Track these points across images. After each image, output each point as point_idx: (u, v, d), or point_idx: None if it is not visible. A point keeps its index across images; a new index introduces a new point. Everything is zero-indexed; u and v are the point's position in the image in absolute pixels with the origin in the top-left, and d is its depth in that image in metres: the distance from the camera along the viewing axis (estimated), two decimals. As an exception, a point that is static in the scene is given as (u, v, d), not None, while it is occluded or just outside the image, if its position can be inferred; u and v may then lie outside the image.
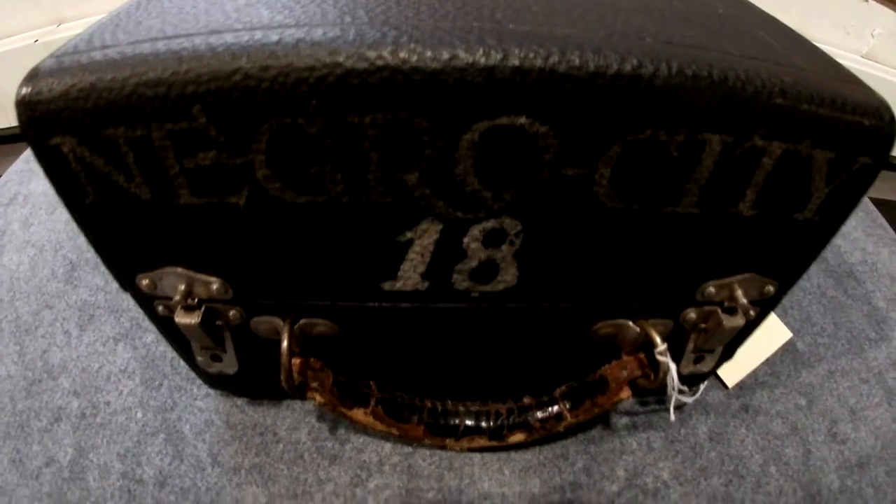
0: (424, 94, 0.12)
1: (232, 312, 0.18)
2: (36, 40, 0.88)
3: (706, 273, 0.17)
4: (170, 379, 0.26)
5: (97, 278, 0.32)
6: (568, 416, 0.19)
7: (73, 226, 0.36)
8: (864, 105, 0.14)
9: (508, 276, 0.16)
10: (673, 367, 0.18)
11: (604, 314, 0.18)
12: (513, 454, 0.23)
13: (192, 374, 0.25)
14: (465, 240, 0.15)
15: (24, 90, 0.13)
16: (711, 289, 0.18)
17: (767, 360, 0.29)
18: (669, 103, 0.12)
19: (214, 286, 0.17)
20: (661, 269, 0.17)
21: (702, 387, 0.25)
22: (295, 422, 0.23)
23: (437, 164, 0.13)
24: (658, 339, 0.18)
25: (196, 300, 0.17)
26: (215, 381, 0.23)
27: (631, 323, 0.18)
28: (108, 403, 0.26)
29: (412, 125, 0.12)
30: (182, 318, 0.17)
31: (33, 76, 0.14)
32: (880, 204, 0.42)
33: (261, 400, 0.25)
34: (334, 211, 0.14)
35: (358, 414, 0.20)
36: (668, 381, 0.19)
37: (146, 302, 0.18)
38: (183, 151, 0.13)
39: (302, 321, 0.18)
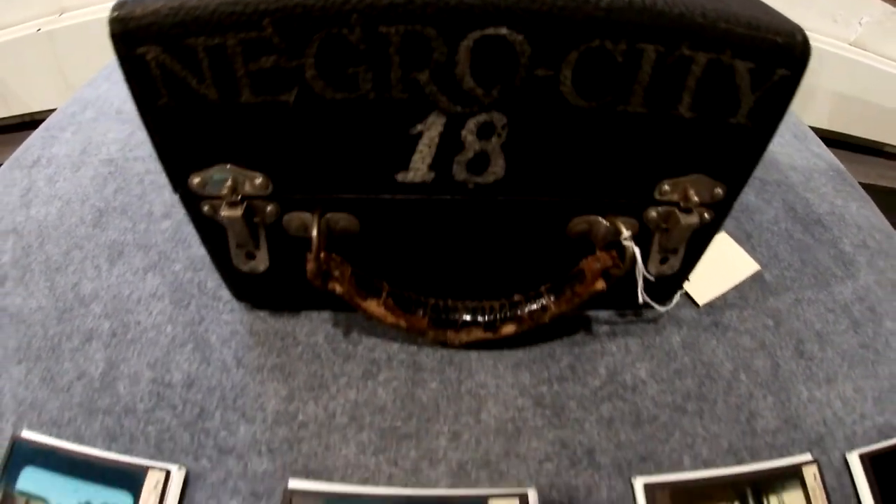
0: (434, 10, 0.17)
1: (269, 208, 0.23)
2: (38, 29, 0.95)
3: (661, 172, 0.22)
4: (197, 299, 0.31)
5: (125, 221, 0.37)
6: (552, 306, 0.25)
7: (99, 180, 0.41)
8: (777, 27, 0.20)
9: (497, 167, 0.21)
10: (637, 251, 0.23)
11: (578, 209, 0.23)
12: (505, 352, 0.28)
13: (219, 294, 0.31)
14: (463, 132, 0.20)
15: (118, 11, 0.18)
16: (667, 186, 0.23)
17: (736, 286, 0.34)
18: (612, 20, 0.18)
19: (258, 181, 0.22)
20: (622, 167, 0.22)
21: (674, 300, 0.29)
22: (312, 328, 0.28)
23: (442, 65, 0.18)
24: (623, 228, 0.23)
25: (240, 196, 0.22)
26: (243, 287, 0.28)
27: (601, 219, 0.23)
28: (138, 323, 0.31)
29: (424, 34, 0.18)
30: (227, 212, 0.22)
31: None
32: (867, 188, 0.47)
33: (281, 311, 0.29)
34: (362, 107, 0.20)
35: (371, 305, 0.24)
36: (637, 272, 0.24)
37: (194, 202, 0.23)
38: (249, 56, 0.18)
39: (328, 215, 0.23)
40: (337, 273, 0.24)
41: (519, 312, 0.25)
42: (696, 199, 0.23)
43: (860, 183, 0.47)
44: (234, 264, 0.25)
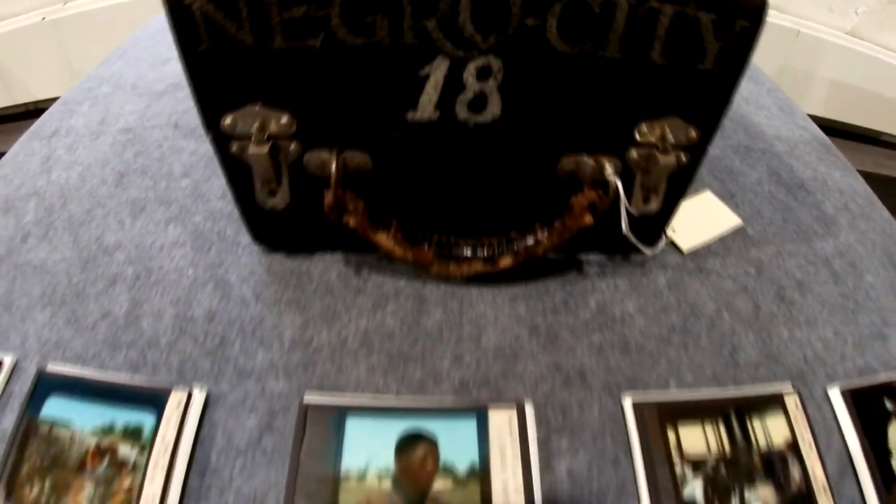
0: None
1: (292, 147, 0.27)
2: (43, 18, 1.00)
3: (638, 113, 0.27)
4: (217, 245, 0.35)
5: (146, 181, 0.41)
6: (544, 240, 0.29)
7: (118, 147, 0.45)
8: (735, -17, 0.23)
9: (494, 107, 0.26)
10: (620, 185, 0.27)
11: (566, 148, 0.27)
12: (503, 287, 0.32)
13: (238, 240, 0.35)
14: (465, 75, 0.25)
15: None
16: (645, 128, 0.27)
17: (719, 238, 0.38)
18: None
19: (283, 119, 0.26)
20: (604, 108, 0.27)
21: (660, 245, 0.33)
22: (325, 267, 0.32)
23: (447, 14, 0.23)
24: (607, 164, 0.27)
25: (266, 135, 0.26)
26: (263, 226, 0.32)
27: (587, 157, 0.27)
28: (160, 267, 0.34)
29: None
30: (254, 150, 0.26)
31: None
32: (863, 176, 0.51)
33: (296, 253, 0.33)
34: (378, 52, 0.24)
35: (381, 238, 0.28)
36: (621, 205, 0.27)
37: (224, 142, 0.27)
38: (283, 6, 0.23)
39: (344, 153, 0.27)
40: (351, 207, 0.28)
41: (515, 246, 0.29)
42: (672, 140, 0.27)
43: (861, 171, 0.51)
44: (257, 202, 0.29)
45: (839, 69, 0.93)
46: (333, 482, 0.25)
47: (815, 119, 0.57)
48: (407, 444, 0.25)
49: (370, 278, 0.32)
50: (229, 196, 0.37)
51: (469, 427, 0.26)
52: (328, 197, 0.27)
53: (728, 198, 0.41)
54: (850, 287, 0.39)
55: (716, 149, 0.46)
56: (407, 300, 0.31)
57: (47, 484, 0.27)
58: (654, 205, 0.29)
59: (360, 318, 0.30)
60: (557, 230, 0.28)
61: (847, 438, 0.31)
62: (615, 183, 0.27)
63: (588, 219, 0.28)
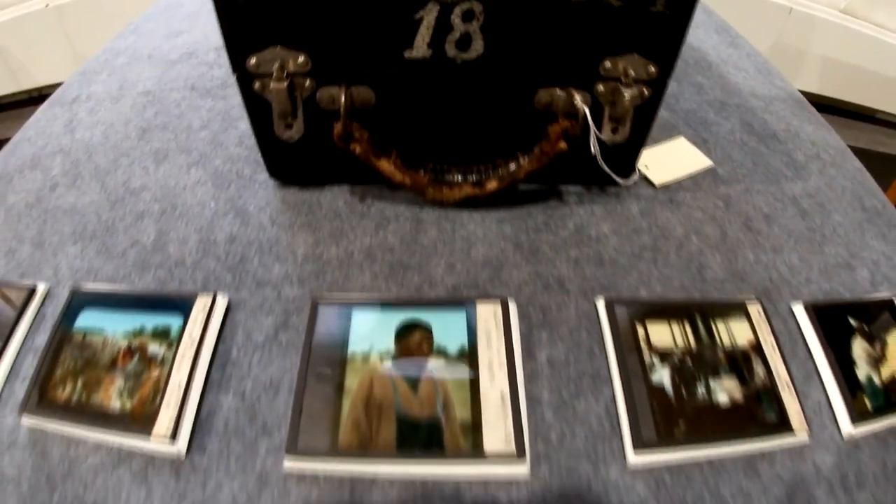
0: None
1: (307, 83, 0.34)
2: (47, 5, 1.10)
3: (602, 50, 0.34)
4: (236, 182, 0.42)
5: (167, 134, 0.48)
6: (525, 164, 0.35)
7: (138, 107, 0.52)
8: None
9: (478, 45, 0.33)
10: (588, 111, 0.34)
11: (541, 82, 0.35)
12: (491, 211, 0.39)
13: (255, 178, 0.42)
14: (452, 17, 0.32)
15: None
16: (608, 64, 0.34)
17: (690, 176, 0.45)
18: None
19: (300, 59, 0.33)
20: (572, 46, 0.34)
21: (633, 178, 0.39)
22: (333, 197, 0.39)
23: None
24: (577, 95, 0.34)
25: (285, 73, 0.32)
26: (279, 160, 0.39)
27: (560, 91, 0.34)
28: (184, 202, 0.41)
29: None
30: (275, 85, 0.33)
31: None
32: (858, 152, 0.57)
33: (308, 186, 0.41)
34: None
35: (383, 164, 0.34)
36: (591, 133, 0.34)
37: (248, 81, 0.34)
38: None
39: (352, 88, 0.34)
40: (357, 135, 0.34)
41: (500, 171, 0.36)
42: (633, 74, 0.34)
43: (852, 147, 0.58)
44: (275, 134, 0.37)
45: (832, 46, 1.00)
46: (341, 363, 0.31)
47: (808, 96, 0.63)
48: (405, 330, 0.32)
49: (373, 205, 0.39)
50: (246, 143, 0.45)
51: (459, 317, 0.32)
52: (338, 127, 0.34)
53: (701, 143, 0.48)
54: (818, 223, 0.45)
55: (691, 103, 0.53)
56: (405, 221, 0.38)
57: (79, 383, 0.33)
58: (621, 135, 0.36)
59: (365, 237, 0.37)
60: (536, 155, 0.35)
61: (812, 349, 0.37)
62: (584, 110, 0.33)
63: (562, 144, 0.35)
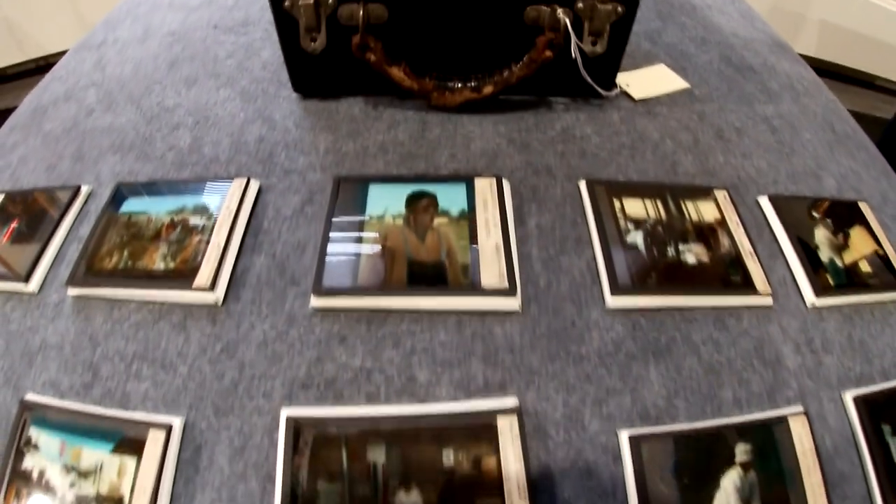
0: None
1: (330, 0, 0.42)
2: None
3: None
4: (262, 97, 0.53)
5: (195, 64, 0.59)
6: (516, 71, 0.44)
7: (165, 45, 0.63)
8: None
9: None
10: (569, 21, 0.45)
11: (529, 0, 0.43)
12: (488, 115, 0.48)
13: (279, 93, 0.52)
14: None
15: None
16: (587, -18, 0.42)
17: (668, 94, 0.55)
18: None
19: None
20: None
21: (615, 91, 0.48)
22: (350, 105, 0.50)
23: None
24: (559, 10, 0.44)
25: None
26: (303, 71, 0.49)
27: (544, 7, 0.43)
28: (216, 114, 0.51)
29: None
30: (304, 2, 0.42)
31: None
32: (855, 116, 0.67)
33: (327, 98, 0.51)
34: None
35: (394, 71, 0.43)
36: (572, 44, 0.44)
37: (279, 0, 0.43)
38: None
39: (368, 5, 0.44)
40: (372, 46, 0.44)
41: (495, 78, 0.47)
42: None
43: (851, 111, 0.67)
44: (301, 47, 0.47)
45: (831, 11, 1.11)
46: (359, 224, 0.40)
47: (807, 59, 0.74)
48: (414, 198, 0.42)
49: (384, 111, 0.50)
50: (269, 68, 0.57)
51: (460, 189, 0.42)
52: (356, 39, 0.44)
53: (680, 70, 0.58)
54: (787, 138, 0.54)
55: (674, 38, 0.64)
56: (413, 123, 0.48)
57: (126, 253, 0.42)
58: (601, 46, 0.46)
59: (378, 135, 0.47)
60: (526, 63, 0.46)
61: (776, 233, 0.46)
62: (565, 21, 0.43)
63: (548, 53, 0.45)
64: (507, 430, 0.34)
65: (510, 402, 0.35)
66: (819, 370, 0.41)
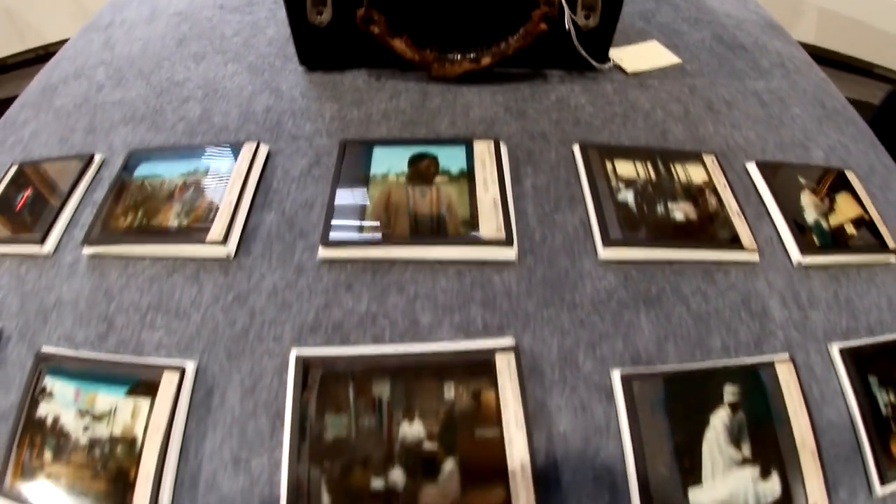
0: None
1: None
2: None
3: None
4: (269, 70, 0.58)
5: (202, 41, 0.64)
6: (513, 42, 0.49)
7: (172, 24, 0.68)
8: None
9: None
10: None
11: None
12: (486, 85, 0.52)
13: (286, 66, 0.57)
14: None
15: None
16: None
17: (660, 69, 0.59)
18: None
19: None
20: None
21: (608, 64, 0.52)
22: (354, 77, 0.55)
23: None
24: None
25: None
26: (309, 44, 0.53)
27: None
28: (224, 87, 0.55)
29: None
30: None
31: None
32: (854, 104, 0.71)
33: (332, 71, 0.55)
34: None
35: (396, 42, 0.47)
36: (567, 19, 0.48)
37: None
38: None
39: None
40: (375, 18, 0.48)
41: (493, 49, 0.51)
42: None
43: (849, 99, 0.72)
44: (307, 20, 0.51)
45: None
46: (364, 180, 0.44)
47: (805, 46, 0.79)
48: (416, 159, 0.46)
49: (387, 82, 0.54)
50: (275, 44, 0.61)
51: (459, 150, 0.46)
52: (360, 11, 0.49)
53: (672, 47, 0.63)
54: (777, 112, 0.58)
55: (667, 17, 0.69)
56: (415, 93, 0.53)
57: (140, 213, 0.46)
58: (593, 20, 0.51)
59: (381, 103, 0.52)
60: (522, 35, 0.50)
61: (763, 196, 0.50)
62: None
63: (543, 25, 0.49)
64: (505, 367, 0.38)
65: (508, 341, 0.39)
66: (805, 323, 0.45)
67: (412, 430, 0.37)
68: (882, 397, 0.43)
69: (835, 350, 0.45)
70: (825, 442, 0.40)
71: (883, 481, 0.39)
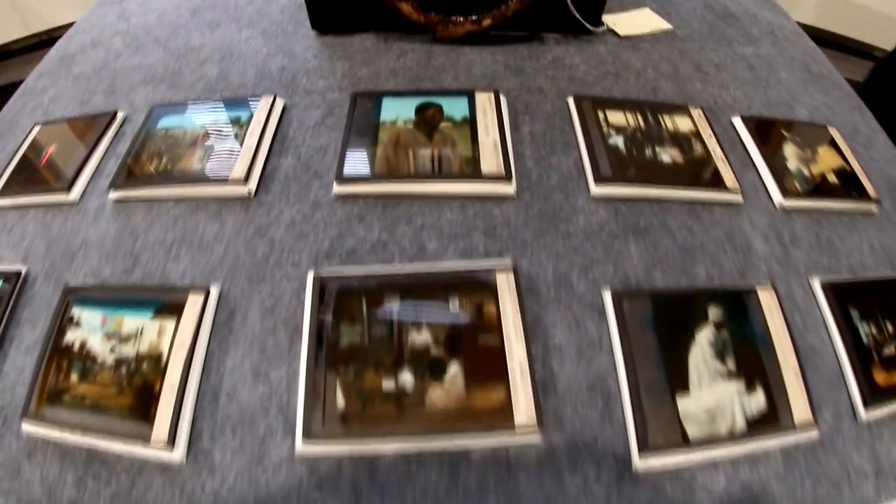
0: None
1: None
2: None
3: None
4: (281, 35, 0.65)
5: (217, 11, 0.71)
6: (513, 4, 0.56)
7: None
8: None
9: None
10: None
11: None
12: (487, 46, 0.60)
13: (298, 31, 0.65)
14: None
15: None
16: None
17: (651, 34, 0.65)
18: None
19: None
20: None
21: (601, 28, 0.59)
22: (363, 39, 0.62)
23: None
24: None
25: None
26: (321, 10, 0.61)
27: None
28: (240, 51, 0.62)
29: None
30: None
31: None
32: (853, 85, 0.79)
33: (342, 34, 0.63)
34: None
35: (403, 5, 0.55)
36: None
37: None
38: None
39: None
40: None
41: (494, 12, 0.58)
42: None
43: (848, 80, 0.79)
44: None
45: None
46: (374, 126, 0.51)
47: (805, 28, 0.86)
48: (422, 108, 0.53)
49: (394, 43, 0.62)
50: (287, 12, 0.70)
51: (462, 101, 0.53)
52: None
53: (664, 15, 0.71)
54: (764, 75, 0.65)
55: None
56: (420, 52, 0.61)
57: (164, 159, 0.52)
58: None
59: (388, 62, 0.60)
60: (521, -1, 0.56)
61: (747, 147, 0.57)
62: None
63: None
64: (505, 284, 0.44)
65: (507, 262, 0.45)
66: (788, 259, 0.51)
67: (420, 337, 0.42)
68: (863, 328, 0.49)
69: (816, 283, 0.51)
70: (808, 367, 0.45)
71: (867, 406, 0.45)
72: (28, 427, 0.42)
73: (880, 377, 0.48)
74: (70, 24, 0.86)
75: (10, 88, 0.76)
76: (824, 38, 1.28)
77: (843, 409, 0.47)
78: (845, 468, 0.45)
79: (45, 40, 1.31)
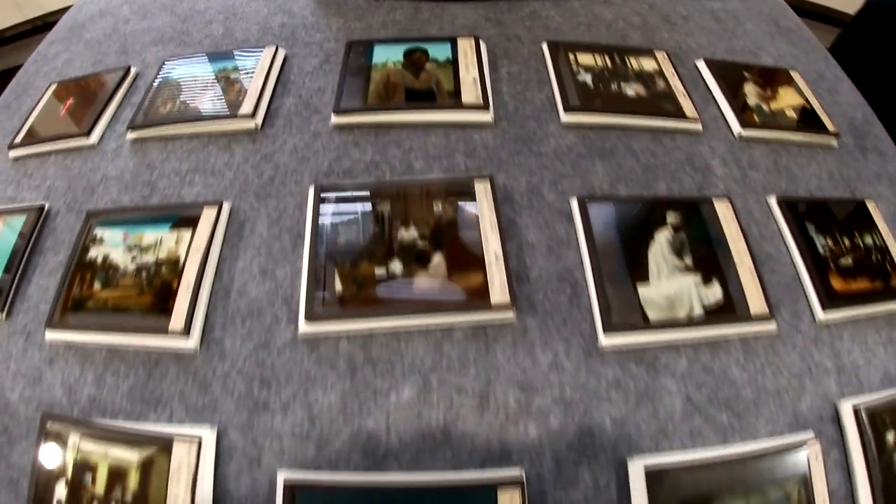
0: None
1: None
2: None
3: None
4: (281, 2, 0.73)
5: None
6: None
7: None
8: None
9: None
10: None
11: None
12: (469, 3, 0.71)
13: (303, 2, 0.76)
14: None
15: None
16: None
17: None
18: None
19: None
20: None
21: None
22: (356, 1, 0.70)
23: None
24: None
25: None
26: None
27: None
28: (244, 12, 0.76)
29: None
30: None
31: None
32: None
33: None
34: None
35: None
36: None
37: None
38: None
39: None
40: None
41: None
42: None
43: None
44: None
45: None
46: (367, 68, 0.64)
47: (791, 1, 0.99)
48: (409, 51, 0.66)
49: (385, 1, 0.75)
50: None
51: (446, 46, 0.67)
52: None
53: None
54: (731, 26, 0.77)
55: None
56: (408, 9, 0.75)
57: (178, 101, 0.66)
58: None
59: (379, 17, 0.73)
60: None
61: (710, 86, 0.69)
62: None
63: None
64: (483, 190, 0.55)
65: (485, 175, 0.57)
66: (745, 180, 0.62)
67: (408, 233, 0.53)
68: (819, 241, 0.60)
69: (772, 200, 0.62)
70: (765, 271, 0.56)
71: (825, 308, 0.55)
72: (51, 335, 0.53)
73: (838, 284, 0.59)
74: (65, 9, 1.00)
75: (6, 74, 0.89)
76: (811, 11, 1.42)
77: (802, 310, 0.57)
78: (806, 362, 0.54)
79: (39, 26, 1.47)
